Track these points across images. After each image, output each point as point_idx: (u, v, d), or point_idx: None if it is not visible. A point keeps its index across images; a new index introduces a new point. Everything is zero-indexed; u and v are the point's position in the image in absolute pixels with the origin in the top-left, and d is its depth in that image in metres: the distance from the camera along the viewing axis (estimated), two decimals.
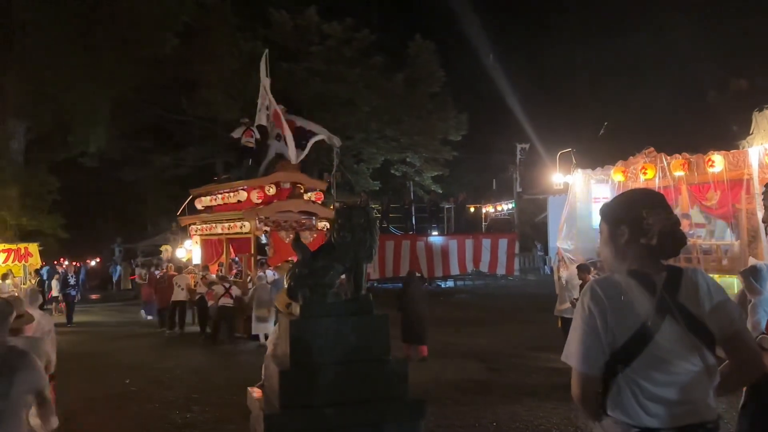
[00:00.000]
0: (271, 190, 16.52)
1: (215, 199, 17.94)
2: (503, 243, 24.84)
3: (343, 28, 27.55)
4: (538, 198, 26.19)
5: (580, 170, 14.23)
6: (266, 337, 12.39)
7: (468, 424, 7.11)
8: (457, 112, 30.18)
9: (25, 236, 24.34)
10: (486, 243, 24.76)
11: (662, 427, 2.23)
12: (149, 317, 18.53)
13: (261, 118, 17.92)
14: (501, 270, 24.94)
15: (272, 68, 25.85)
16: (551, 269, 23.00)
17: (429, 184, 31.39)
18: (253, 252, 16.62)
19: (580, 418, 6.60)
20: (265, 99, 17.87)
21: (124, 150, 29.32)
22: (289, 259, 14.57)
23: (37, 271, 20.49)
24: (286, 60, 26.70)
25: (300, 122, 17.39)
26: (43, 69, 24.21)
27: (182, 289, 15.97)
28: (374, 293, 5.42)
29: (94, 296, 28.72)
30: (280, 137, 16.81)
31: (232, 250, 18.42)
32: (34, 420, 3.58)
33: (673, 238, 2.38)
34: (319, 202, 17.91)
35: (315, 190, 17.96)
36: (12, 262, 20.69)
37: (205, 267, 17.33)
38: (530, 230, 28.16)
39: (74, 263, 26.00)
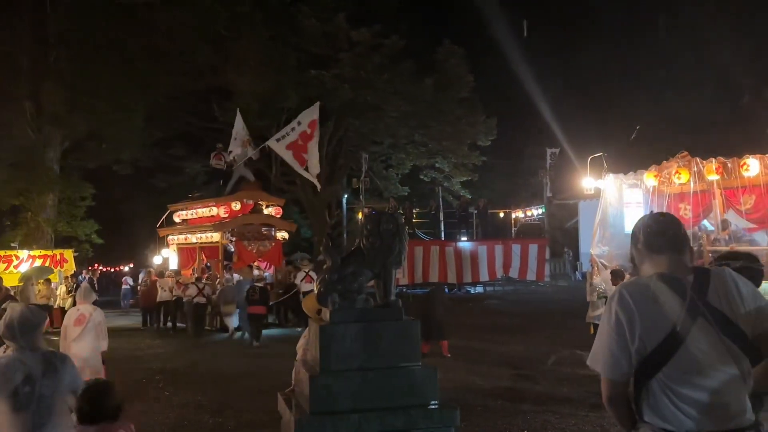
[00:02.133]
0: (237, 206, 20.06)
1: (190, 214, 21.57)
2: (533, 248, 24.61)
3: (372, 34, 27.66)
4: (569, 203, 25.95)
5: (611, 175, 14.05)
6: (237, 329, 16.13)
7: (499, 431, 7.05)
8: (486, 117, 30.04)
9: (61, 242, 24.85)
10: (516, 248, 24.55)
11: (699, 431, 2.19)
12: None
13: (235, 147, 21.01)
14: (531, 276, 24.70)
15: (302, 76, 26.17)
16: (582, 275, 22.72)
17: (458, 190, 31.29)
18: (221, 258, 19.88)
19: (613, 427, 6.50)
20: (238, 131, 21.25)
21: (157, 157, 29.78)
22: (254, 263, 19.01)
23: (73, 276, 20.89)
24: (315, 67, 26.90)
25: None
26: (78, 78, 24.74)
27: (165, 290, 18.29)
28: (403, 299, 5.41)
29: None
30: (246, 164, 21.00)
31: (204, 256, 21.19)
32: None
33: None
34: (278, 216, 21.76)
35: (275, 206, 21.88)
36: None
37: (178, 272, 20.32)
38: (561, 236, 27.89)
39: (90, 268, 26.44)
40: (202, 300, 16.87)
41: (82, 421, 2.82)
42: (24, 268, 20.48)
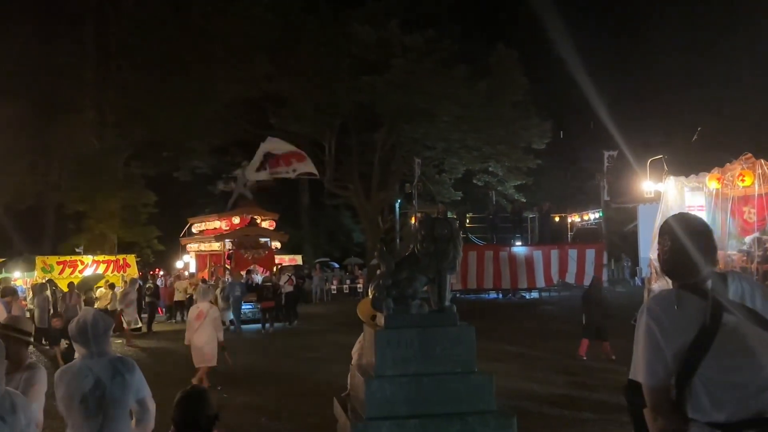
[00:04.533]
0: (236, 220, 24.60)
1: (203, 226, 25.91)
2: (590, 253, 24.08)
3: (425, 40, 27.66)
4: (627, 207, 25.30)
5: (672, 178, 13.66)
6: (230, 323, 18.22)
7: None
8: (541, 120, 29.64)
9: (124, 248, 25.65)
10: (572, 253, 24.08)
11: (744, 419, 2.28)
12: None
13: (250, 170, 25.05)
14: (588, 281, 24.18)
15: (355, 82, 26.46)
16: (642, 280, 22.11)
17: (512, 194, 30.95)
18: (222, 263, 23.53)
19: None
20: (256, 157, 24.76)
21: (215, 164, 30.45)
22: (251, 267, 22.37)
23: (135, 281, 21.52)
24: (367, 73, 27.07)
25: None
26: (139, 88, 25.53)
27: (179, 291, 21.25)
28: (457, 304, 5.37)
29: None
30: (246, 185, 25.40)
31: (213, 262, 24.86)
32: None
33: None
34: (272, 228, 26.06)
35: (269, 219, 26.08)
36: (111, 273, 21.86)
37: (194, 275, 23.82)
38: (619, 240, 27.24)
39: (151, 273, 27.24)
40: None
41: (177, 429, 2.84)
42: (88, 272, 21.24)
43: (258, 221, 25.14)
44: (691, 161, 13.39)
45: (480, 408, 4.74)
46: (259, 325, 18.93)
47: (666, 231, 2.60)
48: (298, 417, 8.20)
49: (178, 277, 22.90)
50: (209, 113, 26.84)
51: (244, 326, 18.52)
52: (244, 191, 25.57)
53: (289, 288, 20.14)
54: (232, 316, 18.66)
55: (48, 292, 16.08)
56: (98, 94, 29.07)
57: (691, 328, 2.37)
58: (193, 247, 26.14)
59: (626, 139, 25.77)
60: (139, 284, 20.73)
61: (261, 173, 24.69)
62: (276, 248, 25.66)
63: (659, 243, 2.63)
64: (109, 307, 17.17)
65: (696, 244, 2.50)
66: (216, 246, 24.24)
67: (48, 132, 26.70)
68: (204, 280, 20.34)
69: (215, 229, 24.98)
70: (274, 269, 23.52)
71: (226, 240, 23.87)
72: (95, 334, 3.59)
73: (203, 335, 9.59)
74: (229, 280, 20.09)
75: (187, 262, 26.90)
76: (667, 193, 13.68)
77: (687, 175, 13.28)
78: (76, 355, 3.77)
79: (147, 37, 25.67)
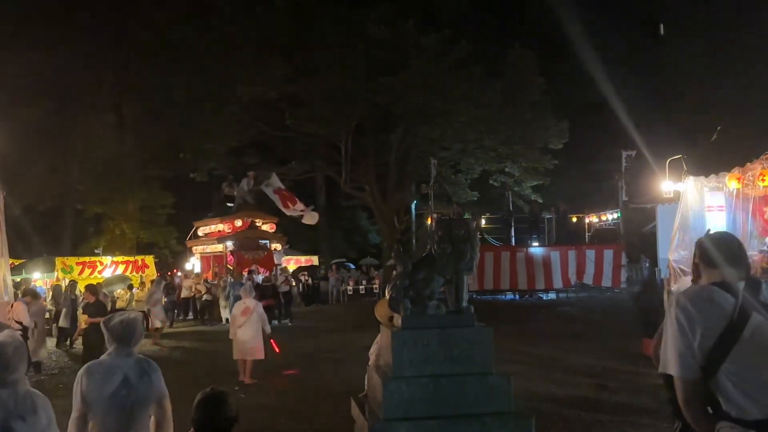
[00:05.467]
0: (239, 223, 26.00)
1: (207, 229, 27.31)
2: (608, 254, 23.90)
3: (441, 40, 27.63)
4: (646, 207, 25.05)
5: (692, 177, 13.49)
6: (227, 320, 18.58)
7: None
8: (558, 120, 29.49)
9: (143, 249, 25.88)
10: (590, 254, 23.91)
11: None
12: None
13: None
14: (607, 282, 23.99)
15: (370, 83, 26.50)
16: (661, 281, 21.90)
17: (529, 194, 30.81)
18: (224, 264, 25.09)
19: None
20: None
21: (232, 166, 30.59)
22: (253, 267, 23.91)
23: (160, 280, 21.75)
24: (383, 74, 27.07)
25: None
26: (157, 91, 25.73)
27: (186, 289, 22.20)
28: (474, 305, 5.34)
29: None
30: (251, 191, 26.94)
31: (217, 263, 26.23)
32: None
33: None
34: (272, 231, 27.53)
35: (269, 223, 27.48)
36: (130, 273, 22.06)
37: (200, 275, 24.87)
38: (637, 241, 26.99)
39: (169, 274, 27.51)
40: (209, 297, 21.29)
41: (197, 431, 2.86)
42: (107, 273, 21.44)
43: (259, 224, 26.84)
44: (710, 161, 13.24)
45: (498, 409, 4.72)
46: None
47: (699, 245, 2.75)
48: (315, 418, 8.22)
49: (186, 276, 24.49)
50: (226, 115, 26.98)
51: None
52: (246, 196, 27.05)
53: (285, 288, 21.68)
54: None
55: (72, 292, 16.29)
56: (117, 96, 29.33)
57: (718, 323, 2.42)
58: (198, 249, 27.75)
59: (645, 139, 25.56)
60: (165, 283, 21.16)
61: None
62: (276, 250, 27.22)
63: (694, 255, 2.77)
64: (133, 306, 17.39)
65: (728, 259, 2.62)
66: (219, 248, 25.85)
67: (68, 134, 26.99)
68: (207, 280, 22.68)
69: (219, 231, 26.58)
70: (273, 269, 24.68)
71: (228, 242, 25.62)
72: (129, 335, 3.67)
73: (249, 330, 10.30)
74: (231, 280, 21.09)
75: (193, 263, 28.52)
76: (687, 193, 13.51)
77: (707, 175, 13.11)
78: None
79: (165, 40, 25.88)
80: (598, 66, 27.58)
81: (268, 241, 26.73)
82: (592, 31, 28.23)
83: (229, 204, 27.57)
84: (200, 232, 27.75)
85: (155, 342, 16.14)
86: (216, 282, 22.83)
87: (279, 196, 26.02)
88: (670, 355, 2.53)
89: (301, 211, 26.38)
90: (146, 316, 17.19)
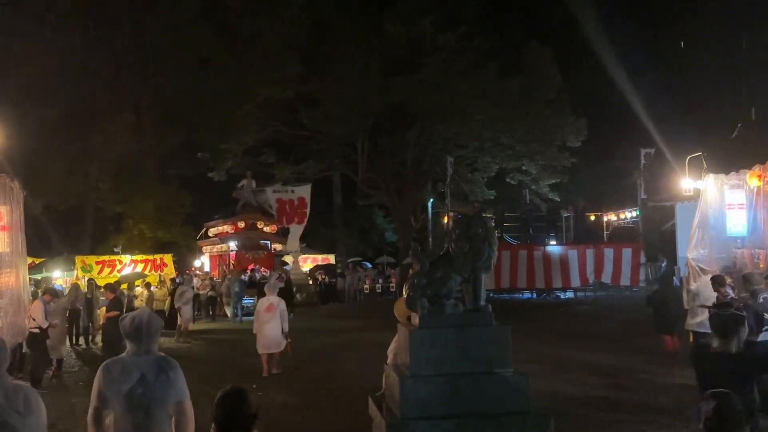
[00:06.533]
0: (241, 225, 27.90)
1: (215, 230, 29.12)
2: (627, 253, 23.70)
3: (457, 37, 27.55)
4: (665, 205, 24.82)
5: (711, 175, 13.31)
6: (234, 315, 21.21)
7: None
8: (576, 118, 29.29)
9: (161, 247, 26.06)
10: (608, 253, 23.72)
11: None
12: None
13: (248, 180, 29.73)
14: (625, 281, 23.79)
15: (386, 81, 26.46)
16: (680, 280, 21.67)
17: (546, 192, 30.65)
18: (228, 262, 26.63)
19: None
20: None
21: (249, 165, 30.74)
22: (254, 266, 25.95)
23: (190, 278, 22.03)
24: (399, 72, 27.05)
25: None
26: (174, 91, 25.88)
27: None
28: (491, 304, 5.31)
29: None
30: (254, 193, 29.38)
31: (222, 262, 27.83)
32: None
33: None
34: (273, 232, 29.25)
35: (270, 224, 29.15)
36: (149, 272, 22.23)
37: (208, 273, 26.73)
38: (656, 239, 26.74)
39: (187, 272, 27.73)
40: (213, 293, 22.54)
41: (218, 429, 2.87)
42: (126, 272, 21.63)
43: (260, 226, 28.55)
44: (731, 158, 13.05)
45: (516, 409, 4.70)
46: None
47: None
48: (333, 416, 8.23)
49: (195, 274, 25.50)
50: (243, 114, 27.10)
51: (245, 317, 20.49)
52: (249, 198, 29.03)
53: (279, 284, 21.73)
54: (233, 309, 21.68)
55: (91, 292, 16.46)
56: (135, 96, 29.54)
57: None
58: (207, 248, 29.62)
59: (664, 136, 25.32)
60: (199, 281, 22.61)
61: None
62: (275, 250, 29.32)
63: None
64: (154, 306, 17.56)
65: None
66: (225, 247, 27.60)
67: (87, 134, 27.24)
68: (212, 278, 24.37)
69: (225, 232, 28.34)
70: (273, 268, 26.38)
71: (231, 242, 27.25)
72: (148, 332, 3.70)
73: (273, 326, 10.87)
74: (229, 277, 22.65)
75: (203, 261, 30.39)
76: (707, 191, 13.33)
77: (727, 173, 12.93)
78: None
79: (182, 40, 26.04)
80: (617, 62, 27.36)
81: (268, 242, 28.57)
82: (610, 27, 28.02)
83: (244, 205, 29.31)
84: (210, 233, 29.37)
85: (182, 339, 16.31)
86: (219, 280, 24.18)
87: (278, 206, 29.09)
88: None
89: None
90: (174, 314, 17.48)
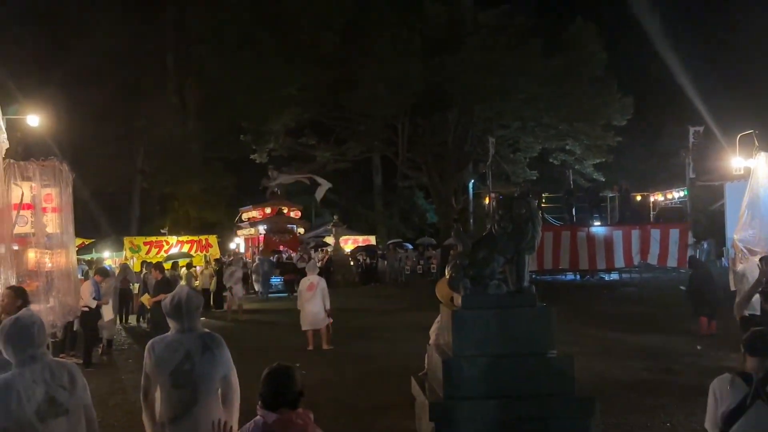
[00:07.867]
0: (268, 210, 30.78)
1: (248, 215, 31.97)
2: (674, 233, 23.12)
3: (498, 15, 27.09)
4: (714, 185, 24.15)
5: (763, 153, 12.89)
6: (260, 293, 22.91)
7: (640, 424, 6.77)
8: (622, 96, 28.58)
9: (206, 228, 26.55)
10: (655, 233, 23.18)
11: None
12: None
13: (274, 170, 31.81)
14: (672, 262, 23.24)
15: (427, 61, 26.18)
16: (728, 262, 21.14)
17: (590, 172, 30.09)
18: (257, 244, 29.23)
19: None
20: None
21: (290, 147, 30.97)
22: (281, 248, 28.11)
23: (240, 258, 22.58)
24: (440, 53, 26.77)
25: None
26: (217, 74, 26.17)
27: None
28: (534, 285, 5.26)
29: None
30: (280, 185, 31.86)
31: (253, 244, 30.65)
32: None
33: None
34: (298, 217, 32.49)
35: (295, 210, 32.45)
36: (195, 252, 22.68)
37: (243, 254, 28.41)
38: (705, 219, 26.08)
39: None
40: (245, 270, 22.88)
41: (264, 405, 2.94)
42: (173, 252, 22.09)
43: (285, 211, 31.23)
44: None
45: (559, 390, 4.67)
46: (286, 294, 23.13)
47: None
48: (376, 395, 8.31)
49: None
50: (284, 97, 27.23)
51: (271, 295, 22.91)
52: (274, 187, 31.57)
53: (301, 264, 23.53)
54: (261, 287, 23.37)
55: (143, 273, 16.97)
56: (180, 80, 30.00)
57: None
58: (242, 232, 32.21)
59: (713, 114, 24.59)
60: (244, 261, 23.43)
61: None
62: (300, 233, 31.78)
63: None
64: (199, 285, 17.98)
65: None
66: (255, 231, 30.40)
67: (132, 118, 27.83)
68: (244, 258, 25.57)
69: (255, 217, 31.11)
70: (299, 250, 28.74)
71: (260, 226, 29.87)
72: (188, 309, 3.77)
73: (315, 304, 11.43)
74: (259, 258, 24.46)
75: (238, 243, 32.53)
76: (758, 170, 12.91)
77: None
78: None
79: (223, 23, 26.27)
80: (664, 38, 26.57)
81: (294, 226, 31.29)
82: (656, 1, 27.20)
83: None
84: (244, 218, 32.23)
85: (234, 318, 16.71)
86: (251, 260, 25.93)
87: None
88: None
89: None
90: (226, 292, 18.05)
